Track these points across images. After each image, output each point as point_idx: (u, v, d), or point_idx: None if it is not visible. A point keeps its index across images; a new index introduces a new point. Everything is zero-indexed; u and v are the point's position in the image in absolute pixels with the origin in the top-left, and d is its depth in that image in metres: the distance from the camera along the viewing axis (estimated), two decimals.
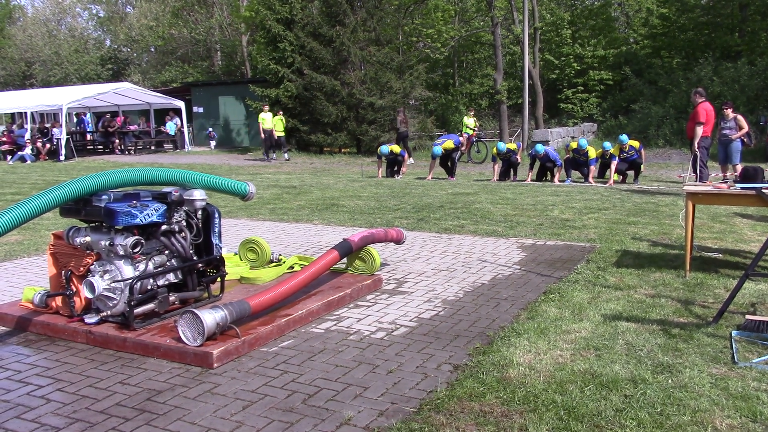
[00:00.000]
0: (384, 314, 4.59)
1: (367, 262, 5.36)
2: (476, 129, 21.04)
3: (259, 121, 21.62)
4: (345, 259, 5.29)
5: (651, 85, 26.07)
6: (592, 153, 13.38)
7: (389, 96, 23.15)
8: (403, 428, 2.88)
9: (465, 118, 21.23)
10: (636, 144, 13.48)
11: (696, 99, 11.62)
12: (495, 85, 26.26)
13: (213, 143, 28.51)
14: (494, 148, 14.77)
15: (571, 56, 28.94)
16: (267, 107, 21.86)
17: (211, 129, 29.03)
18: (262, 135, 21.65)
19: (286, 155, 22.39)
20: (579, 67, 28.76)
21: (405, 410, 3.07)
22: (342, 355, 3.81)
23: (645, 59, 28.12)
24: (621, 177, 13.60)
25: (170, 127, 27.48)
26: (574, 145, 13.69)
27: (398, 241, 5.96)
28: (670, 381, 3.33)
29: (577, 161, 13.67)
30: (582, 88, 28.55)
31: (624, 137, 13.49)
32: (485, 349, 3.82)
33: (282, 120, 21.87)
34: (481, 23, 31.26)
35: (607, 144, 13.76)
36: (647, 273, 5.58)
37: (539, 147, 13.87)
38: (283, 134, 22.00)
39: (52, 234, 4.49)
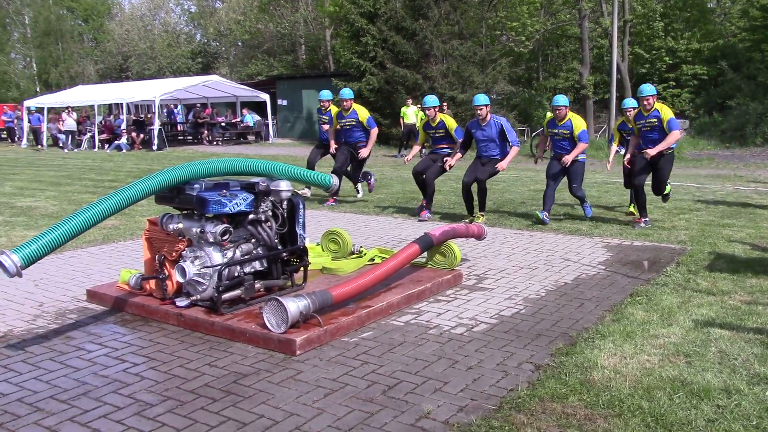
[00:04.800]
0: (464, 310, 4.56)
1: (448, 257, 5.34)
2: None
3: (401, 115, 20.36)
4: (425, 253, 5.29)
5: (750, 80, 24.65)
6: (579, 122, 8.01)
7: (471, 90, 22.92)
8: (483, 425, 2.86)
9: (548, 114, 20.69)
10: (666, 111, 7.38)
11: None
12: (581, 80, 25.56)
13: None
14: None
15: (663, 50, 27.76)
16: (411, 101, 20.51)
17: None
18: (402, 130, 20.46)
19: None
20: (671, 61, 27.56)
21: (485, 407, 3.05)
22: (422, 349, 3.82)
23: (744, 53, 26.61)
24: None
25: (249, 119, 28.20)
26: (549, 115, 8.65)
27: (479, 237, 5.91)
28: (767, 393, 3.15)
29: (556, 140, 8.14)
30: (674, 83, 27.36)
31: (630, 100, 8.55)
32: (568, 350, 3.74)
33: (420, 112, 20.22)
34: (568, 16, 30.43)
35: (630, 102, 8.45)
36: (742, 278, 5.30)
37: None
38: None
39: (148, 220, 4.71)
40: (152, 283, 4.52)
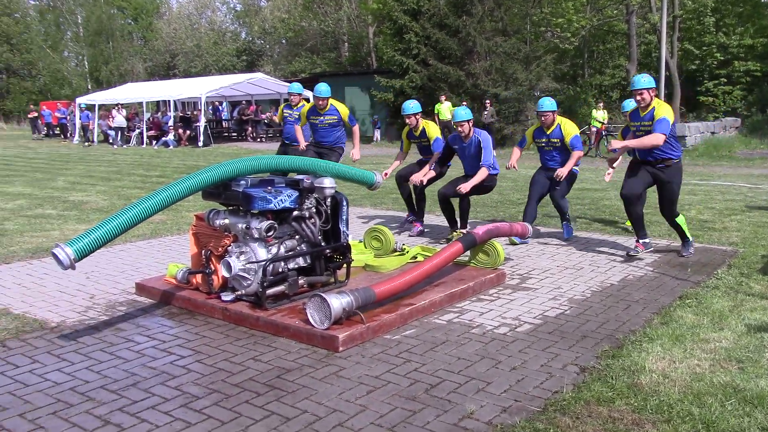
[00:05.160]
0: (507, 309, 4.52)
1: (491, 256, 5.30)
2: (605, 122, 20.15)
3: (435, 111, 20.15)
4: (468, 251, 5.25)
5: None
6: (570, 127, 6.65)
7: (515, 87, 22.69)
8: (528, 427, 2.82)
9: (594, 111, 20.38)
10: (662, 108, 5.84)
11: None
12: (627, 77, 25.00)
13: (378, 133, 26.38)
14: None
15: (714, 46, 26.99)
16: (444, 97, 20.33)
17: (377, 116, 27.03)
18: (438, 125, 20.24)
19: None
20: (722, 58, 26.77)
21: (529, 409, 3.01)
22: (464, 348, 3.79)
23: None
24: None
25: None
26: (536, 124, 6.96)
27: (523, 236, 5.84)
28: None
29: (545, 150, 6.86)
30: (725, 80, 26.56)
31: (629, 102, 6.97)
32: (614, 353, 3.66)
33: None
34: (615, 12, 29.81)
35: (630, 104, 6.88)
36: None
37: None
38: None
39: (195, 215, 4.79)
40: (199, 278, 4.60)
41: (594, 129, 19.31)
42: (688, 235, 6.14)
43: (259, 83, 27.81)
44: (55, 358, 3.67)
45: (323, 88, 8.17)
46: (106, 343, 3.91)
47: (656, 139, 5.51)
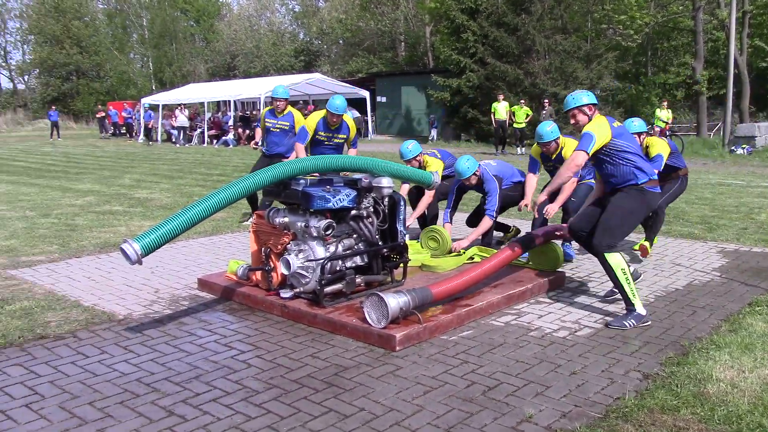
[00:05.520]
0: (566, 312, 4.44)
1: (550, 258, 5.21)
2: (669, 122, 19.54)
3: (491, 110, 19.74)
4: (527, 253, 5.18)
5: None
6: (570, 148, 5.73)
7: (574, 86, 22.23)
8: None
9: (657, 111, 19.79)
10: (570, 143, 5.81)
11: None
12: (693, 75, 24.21)
13: (434, 132, 25.82)
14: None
15: None
16: (502, 96, 20.07)
17: (433, 116, 26.55)
18: (494, 126, 19.64)
19: (519, 150, 19.56)
20: None
21: (589, 415, 2.95)
22: (522, 351, 3.75)
23: None
24: None
25: (349, 115, 28.70)
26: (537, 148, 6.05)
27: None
28: None
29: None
30: None
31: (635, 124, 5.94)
32: (680, 360, 3.55)
33: (524, 110, 19.56)
34: (680, 7, 28.86)
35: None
36: None
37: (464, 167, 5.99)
38: (523, 125, 19.47)
39: (255, 213, 4.88)
40: (258, 275, 4.69)
41: (658, 129, 18.74)
42: (632, 297, 4.20)
43: (317, 83, 28.13)
44: (122, 349, 3.80)
45: (281, 89, 7.56)
46: (170, 336, 4.03)
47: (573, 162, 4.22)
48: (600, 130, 4.21)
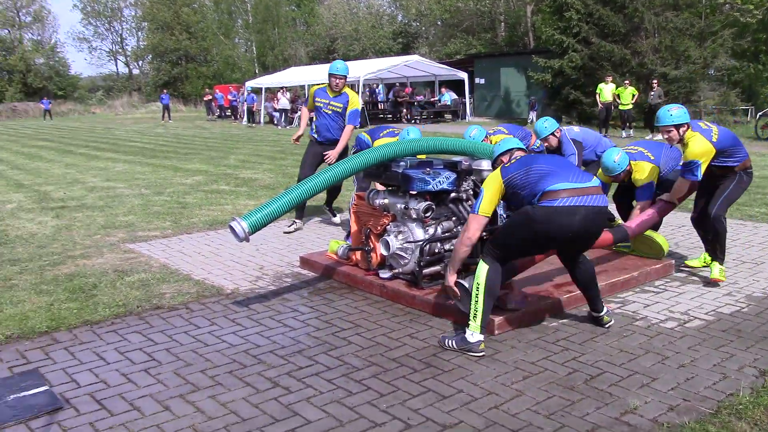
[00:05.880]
0: (675, 303, 4.25)
1: (653, 248, 4.97)
2: None
3: (597, 92, 19.09)
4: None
5: None
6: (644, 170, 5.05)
7: (686, 66, 21.03)
8: (698, 429, 2.65)
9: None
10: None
11: None
12: None
13: (534, 115, 24.46)
14: None
15: None
16: (610, 78, 19.40)
17: (533, 98, 25.55)
18: (599, 107, 18.96)
19: (625, 133, 18.69)
20: None
21: (699, 410, 2.82)
22: (627, 341, 3.63)
23: None
24: None
25: (446, 98, 28.46)
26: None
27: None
28: None
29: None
30: None
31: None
32: None
33: (629, 90, 18.58)
34: None
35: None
36: None
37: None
38: (629, 107, 18.64)
39: (356, 194, 4.97)
40: (358, 255, 4.78)
41: None
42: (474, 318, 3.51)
43: (415, 65, 28.07)
44: (230, 322, 4.00)
45: (340, 65, 6.61)
46: (274, 311, 4.19)
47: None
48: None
